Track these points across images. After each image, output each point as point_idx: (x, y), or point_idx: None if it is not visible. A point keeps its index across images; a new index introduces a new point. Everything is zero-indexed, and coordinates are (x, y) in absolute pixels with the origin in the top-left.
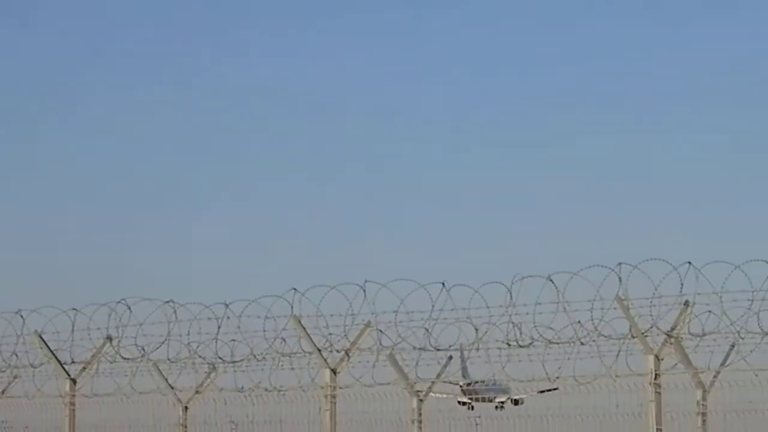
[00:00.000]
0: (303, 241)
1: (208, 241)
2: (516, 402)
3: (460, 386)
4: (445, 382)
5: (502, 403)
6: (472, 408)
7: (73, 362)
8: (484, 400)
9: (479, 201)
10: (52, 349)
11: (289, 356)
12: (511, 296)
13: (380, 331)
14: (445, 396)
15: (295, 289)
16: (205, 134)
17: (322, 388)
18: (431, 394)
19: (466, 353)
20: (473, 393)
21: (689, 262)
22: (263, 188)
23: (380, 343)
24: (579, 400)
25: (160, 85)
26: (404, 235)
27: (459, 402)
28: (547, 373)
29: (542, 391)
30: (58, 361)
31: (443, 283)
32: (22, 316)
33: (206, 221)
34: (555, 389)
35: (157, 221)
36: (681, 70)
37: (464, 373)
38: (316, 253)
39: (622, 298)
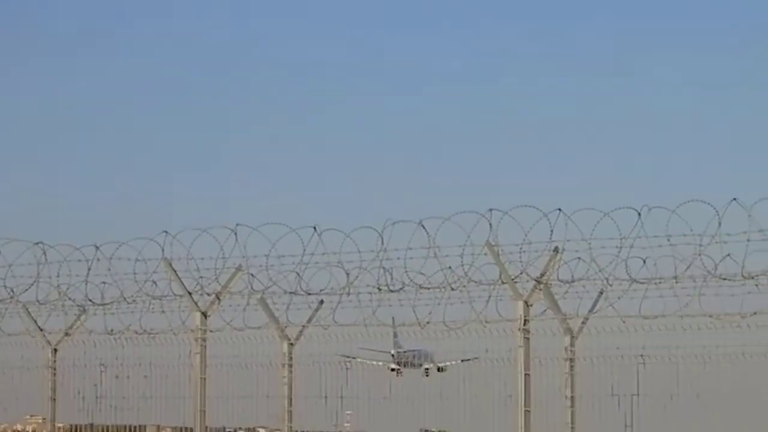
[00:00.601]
0: (175, 185)
1: (77, 183)
2: (440, 369)
3: (392, 354)
4: (315, 326)
5: (427, 369)
6: (401, 373)
7: None
8: (413, 365)
9: (351, 146)
10: None
11: (160, 299)
12: (382, 241)
13: (251, 275)
14: (376, 363)
15: (166, 231)
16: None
17: (192, 331)
18: (362, 361)
19: (398, 329)
20: (403, 360)
21: (559, 209)
22: (137, 132)
23: (251, 287)
24: (448, 345)
25: None
26: (275, 179)
27: (389, 368)
28: (417, 318)
29: (464, 360)
30: None
31: (315, 228)
32: None
33: (76, 163)
34: (476, 358)
35: (27, 162)
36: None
37: (395, 343)
38: (188, 196)
39: (493, 244)
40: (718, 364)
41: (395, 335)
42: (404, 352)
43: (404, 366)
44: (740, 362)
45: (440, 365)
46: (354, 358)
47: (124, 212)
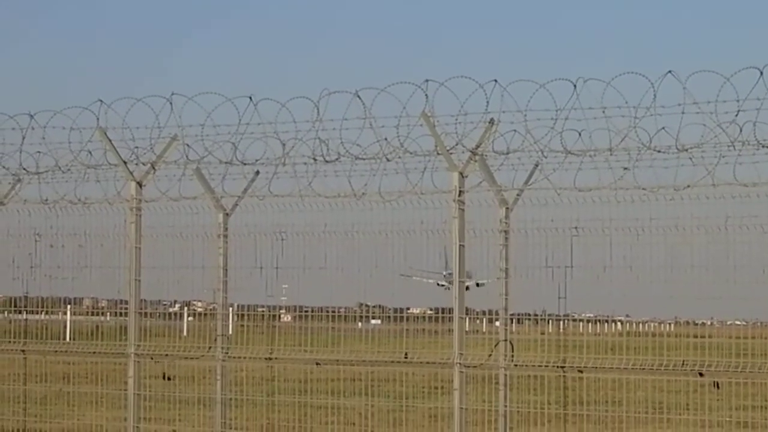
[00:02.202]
0: (109, 53)
1: (12, 50)
2: (478, 284)
3: (443, 274)
4: (251, 196)
5: (468, 286)
6: (449, 289)
7: None
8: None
9: (287, 16)
10: None
11: (95, 168)
12: (318, 111)
13: (187, 145)
14: (430, 281)
15: (101, 100)
16: None
17: (127, 200)
18: (418, 279)
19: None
20: (449, 279)
21: (495, 80)
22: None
23: (187, 157)
24: (384, 217)
25: None
26: (211, 47)
27: (438, 284)
28: (353, 189)
29: (498, 279)
30: None
31: (250, 98)
32: None
33: (9, 31)
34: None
35: None
36: None
37: (446, 264)
38: (123, 64)
39: (429, 115)
40: (650, 236)
41: (446, 258)
42: (450, 273)
43: (450, 283)
44: (672, 234)
45: (478, 282)
46: (410, 276)
47: (58, 81)
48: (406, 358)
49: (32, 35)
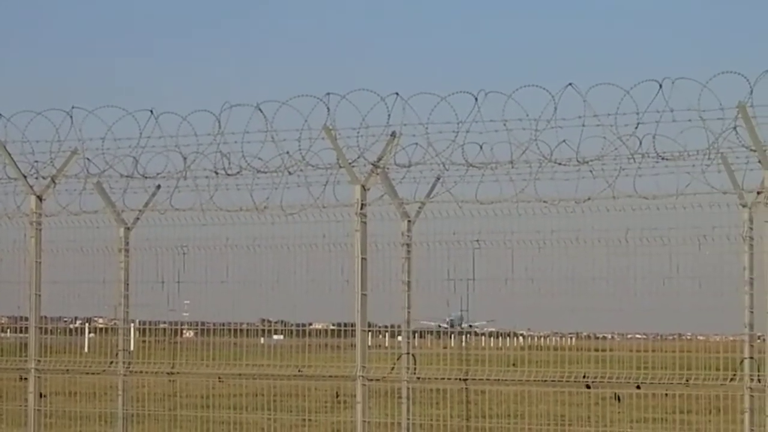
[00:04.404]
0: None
1: None
2: (470, 326)
3: (446, 320)
4: (153, 210)
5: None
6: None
7: None
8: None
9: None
10: None
11: None
12: (219, 125)
13: (87, 159)
14: (431, 324)
15: (0, 114)
16: None
17: (27, 215)
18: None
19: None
20: (451, 323)
21: (397, 93)
22: None
23: (87, 171)
24: (286, 230)
25: None
26: (111, 61)
27: (439, 326)
28: (254, 203)
29: (489, 321)
30: None
31: (151, 111)
32: None
33: None
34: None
35: None
36: None
37: (449, 313)
38: (23, 78)
39: (330, 128)
40: (552, 248)
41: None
42: (451, 319)
43: (450, 326)
44: (573, 246)
45: (471, 324)
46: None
47: None
48: (300, 371)
49: None
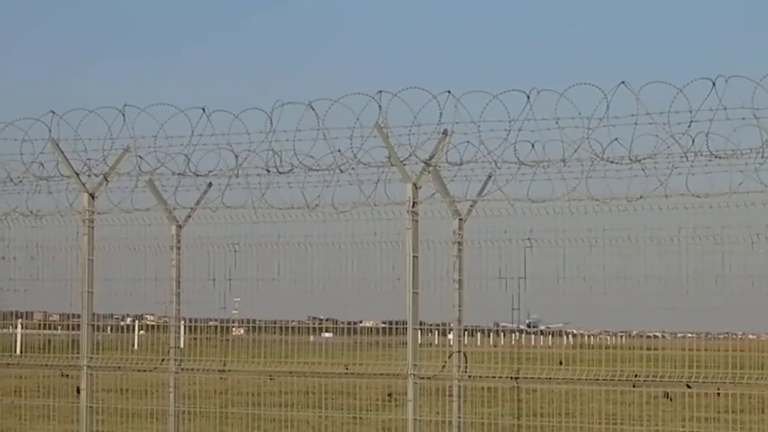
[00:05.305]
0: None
1: None
2: (549, 327)
3: (527, 322)
4: (204, 208)
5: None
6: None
7: None
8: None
9: (241, 28)
10: None
11: (47, 180)
12: (271, 123)
13: (139, 156)
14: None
15: (53, 112)
16: None
17: (79, 212)
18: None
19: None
20: (532, 325)
21: (449, 91)
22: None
23: (139, 169)
24: (337, 228)
25: None
26: (165, 60)
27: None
28: (306, 201)
29: (565, 323)
30: None
31: (203, 109)
32: None
33: None
34: (568, 322)
35: None
36: None
37: (528, 314)
38: (76, 76)
39: (382, 126)
40: (603, 247)
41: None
42: (530, 322)
43: (529, 327)
44: (625, 245)
45: (549, 326)
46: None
47: (8, 93)
48: (347, 369)
49: None
